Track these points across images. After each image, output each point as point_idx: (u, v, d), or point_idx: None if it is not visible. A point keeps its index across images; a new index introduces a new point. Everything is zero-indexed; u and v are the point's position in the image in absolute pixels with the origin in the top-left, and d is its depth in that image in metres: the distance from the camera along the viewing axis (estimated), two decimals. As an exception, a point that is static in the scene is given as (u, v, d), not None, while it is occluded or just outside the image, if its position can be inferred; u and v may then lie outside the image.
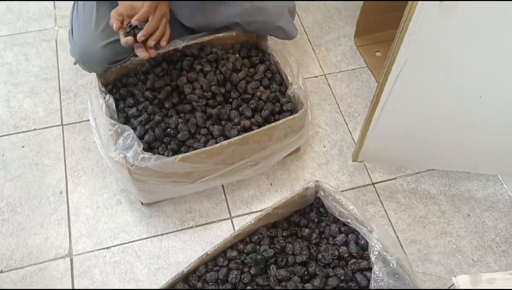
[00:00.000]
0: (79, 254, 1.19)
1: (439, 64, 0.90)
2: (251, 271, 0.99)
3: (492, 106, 0.98)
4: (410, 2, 0.80)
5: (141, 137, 1.15)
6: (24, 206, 1.25)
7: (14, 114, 1.42)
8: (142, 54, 1.05)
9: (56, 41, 1.61)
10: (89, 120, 1.18)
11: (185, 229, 1.23)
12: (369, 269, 0.99)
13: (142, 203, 1.26)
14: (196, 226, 1.24)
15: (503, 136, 1.07)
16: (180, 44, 1.29)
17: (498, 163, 1.18)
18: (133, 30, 1.03)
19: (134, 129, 1.16)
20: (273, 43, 1.30)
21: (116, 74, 1.26)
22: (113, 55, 1.18)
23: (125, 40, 1.02)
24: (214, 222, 1.25)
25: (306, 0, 1.71)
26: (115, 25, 1.01)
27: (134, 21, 1.02)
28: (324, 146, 1.38)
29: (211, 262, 1.03)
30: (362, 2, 1.48)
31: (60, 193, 1.28)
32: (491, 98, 0.96)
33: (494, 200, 1.28)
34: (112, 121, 1.12)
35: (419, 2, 0.79)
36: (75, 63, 1.21)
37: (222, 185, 1.30)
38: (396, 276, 0.95)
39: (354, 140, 1.39)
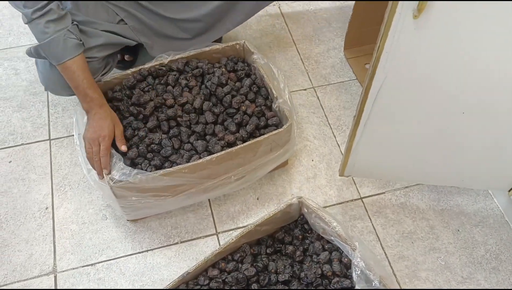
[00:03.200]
0: (63, 271, 1.18)
1: (419, 80, 0.89)
2: (232, 290, 0.98)
3: (476, 121, 0.97)
4: (385, 18, 0.79)
5: (124, 154, 1.14)
6: (10, 221, 1.25)
7: (2, 129, 1.42)
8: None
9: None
10: (77, 134, 1.18)
11: (171, 245, 1.22)
12: (352, 288, 0.97)
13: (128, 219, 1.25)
14: (181, 242, 1.22)
15: (489, 151, 1.05)
16: (165, 58, 1.29)
17: (486, 178, 1.16)
18: None
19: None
20: (259, 57, 1.29)
21: (102, 88, 1.25)
22: None
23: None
24: (200, 238, 1.23)
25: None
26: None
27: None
28: (312, 160, 1.37)
29: (192, 281, 1.01)
30: (351, 14, 1.47)
31: (46, 208, 1.27)
32: (474, 114, 0.95)
33: (485, 215, 1.26)
34: (95, 138, 1.11)
35: (394, 19, 0.78)
36: (45, 90, 1.21)
37: (209, 200, 1.29)
38: (379, 295, 0.93)
39: (342, 154, 1.37)
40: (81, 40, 1.11)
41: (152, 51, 1.32)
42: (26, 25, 1.08)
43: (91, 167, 1.10)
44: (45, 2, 1.05)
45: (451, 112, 0.95)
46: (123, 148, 1.12)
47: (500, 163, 1.09)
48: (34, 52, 1.12)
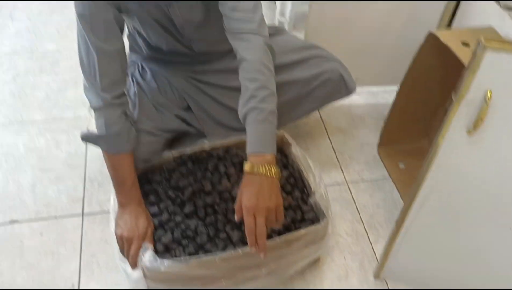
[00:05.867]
0: None
1: (467, 194, 0.89)
2: None
3: (523, 238, 0.95)
4: (438, 133, 0.81)
5: (158, 239, 1.14)
6: (34, 297, 1.22)
7: (38, 200, 1.44)
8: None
9: (87, 129, 1.66)
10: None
11: (195, 337, 1.17)
12: None
13: (153, 304, 1.22)
14: (206, 335, 1.18)
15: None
16: (206, 144, 1.32)
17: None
18: None
19: (154, 229, 1.16)
20: (297, 149, 1.32)
21: (142, 170, 1.28)
22: (144, 154, 1.21)
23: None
24: (226, 331, 1.19)
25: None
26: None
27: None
28: (344, 258, 1.34)
29: None
30: (386, 111, 1.51)
31: (72, 286, 1.25)
32: (522, 230, 0.94)
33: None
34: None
35: (448, 134, 0.80)
36: None
37: (238, 293, 1.25)
38: None
39: (375, 253, 1.35)
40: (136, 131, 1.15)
41: (211, 139, 1.36)
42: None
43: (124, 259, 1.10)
44: (122, 90, 1.04)
45: (498, 226, 0.94)
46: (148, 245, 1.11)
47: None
48: (93, 140, 1.12)
